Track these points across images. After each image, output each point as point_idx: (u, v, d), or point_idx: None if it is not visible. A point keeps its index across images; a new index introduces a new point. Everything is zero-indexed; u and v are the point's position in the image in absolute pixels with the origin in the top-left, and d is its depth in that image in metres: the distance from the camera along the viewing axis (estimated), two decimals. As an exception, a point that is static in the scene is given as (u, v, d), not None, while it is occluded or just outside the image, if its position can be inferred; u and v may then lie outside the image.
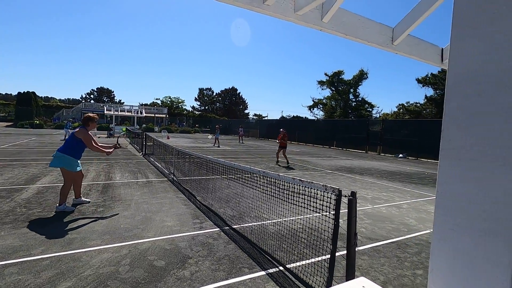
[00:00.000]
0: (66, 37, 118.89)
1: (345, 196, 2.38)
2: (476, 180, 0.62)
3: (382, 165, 14.69)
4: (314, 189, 2.71)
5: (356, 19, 1.72)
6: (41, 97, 61.13)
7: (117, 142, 5.71)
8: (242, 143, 27.01)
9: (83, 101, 64.80)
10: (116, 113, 33.30)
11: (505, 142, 0.58)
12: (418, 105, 31.79)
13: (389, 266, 3.45)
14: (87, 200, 5.45)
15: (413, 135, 20.93)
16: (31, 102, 38.76)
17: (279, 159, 13.60)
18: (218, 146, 21.05)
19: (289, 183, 3.10)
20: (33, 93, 40.56)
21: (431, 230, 4.38)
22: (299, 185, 2.95)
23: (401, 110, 34.02)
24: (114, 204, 5.37)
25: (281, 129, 13.34)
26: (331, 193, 2.48)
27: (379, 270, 3.32)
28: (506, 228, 0.57)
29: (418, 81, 31.55)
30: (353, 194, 2.26)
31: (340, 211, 2.54)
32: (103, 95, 77.48)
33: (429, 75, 30.86)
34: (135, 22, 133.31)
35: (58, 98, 74.06)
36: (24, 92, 39.26)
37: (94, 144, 5.08)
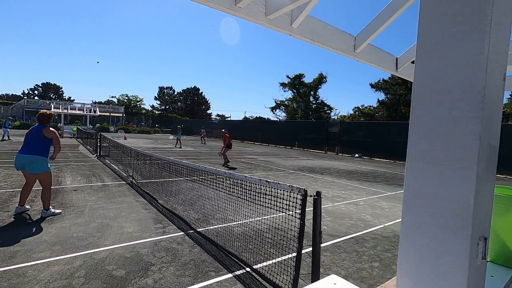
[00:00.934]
0: (2, 24, 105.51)
1: (311, 196, 2.46)
2: (440, 181, 0.69)
3: (340, 165, 15.51)
4: (281, 190, 2.76)
5: (323, 26, 1.80)
6: (-28, 91, 53.67)
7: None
8: (205, 143, 26.67)
9: (25, 97, 58.34)
10: (65, 111, 30.54)
11: (462, 147, 0.65)
12: (372, 108, 34.25)
13: (349, 261, 3.65)
14: (28, 207, 4.93)
15: (368, 136, 22.48)
16: (-40, 97, 33.89)
17: (225, 159, 12.94)
18: (180, 147, 20.44)
19: (255, 184, 3.12)
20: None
21: (385, 225, 4.73)
22: (266, 186, 2.99)
23: (357, 112, 36.34)
24: (65, 211, 4.92)
25: (223, 129, 14.38)
26: (297, 193, 2.55)
27: (340, 265, 3.50)
28: (465, 224, 0.65)
29: (372, 85, 34.01)
30: (318, 193, 2.35)
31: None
32: (50, 91, 70.56)
33: (381, 81, 33.42)
34: (85, 11, 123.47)
35: (-7, 94, 65.69)
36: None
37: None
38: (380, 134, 21.49)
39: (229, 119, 64.21)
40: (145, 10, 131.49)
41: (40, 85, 70.27)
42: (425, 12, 0.72)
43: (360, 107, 35.59)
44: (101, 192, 6.38)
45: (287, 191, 2.67)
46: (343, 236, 4.52)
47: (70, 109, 32.34)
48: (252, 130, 34.22)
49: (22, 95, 66.22)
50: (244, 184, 3.46)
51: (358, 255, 3.85)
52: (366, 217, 5.66)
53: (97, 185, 7.13)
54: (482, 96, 0.63)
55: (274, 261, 3.44)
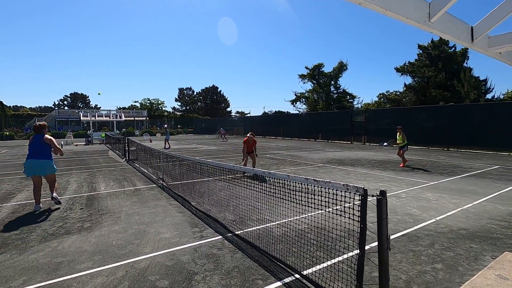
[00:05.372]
0: (32, 41, 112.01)
1: (373, 196, 2.15)
2: None
3: (370, 155, 14.83)
4: (333, 189, 2.46)
5: (395, -9, 1.48)
6: (10, 106, 57.33)
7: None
8: (226, 140, 27.15)
9: (56, 108, 61.65)
10: (93, 118, 31.71)
11: None
12: (398, 93, 32.53)
13: (407, 262, 3.29)
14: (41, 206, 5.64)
15: (396, 123, 21.29)
16: (-1, 112, 36.29)
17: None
18: (168, 147, 18.93)
19: (301, 183, 2.85)
20: (0, 102, 38.00)
21: (436, 219, 4.26)
22: (313, 186, 2.70)
23: (382, 99, 34.70)
24: (101, 218, 4.93)
25: (250, 133, 9.55)
26: (354, 193, 2.25)
27: (398, 268, 3.15)
28: None
29: (397, 70, 32.26)
30: (383, 193, 2.04)
31: (350, 209, 2.31)
32: (78, 100, 74.22)
33: (407, 64, 31.62)
34: (107, 22, 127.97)
35: (28, 107, 69.88)
36: (-11, 102, 36.66)
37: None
38: (409, 120, 20.31)
39: (248, 115, 64.13)
40: (158, 14, 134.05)
41: (69, 95, 74.03)
42: None
43: (386, 93, 33.94)
44: (135, 197, 6.39)
45: (341, 191, 2.37)
46: (393, 234, 4.13)
47: (98, 116, 33.57)
48: (273, 124, 33.83)
49: (53, 106, 70.10)
50: (287, 184, 3.19)
51: (415, 255, 3.47)
52: (413, 211, 5.21)
53: (130, 189, 7.17)
54: None
55: (323, 265, 3.15)
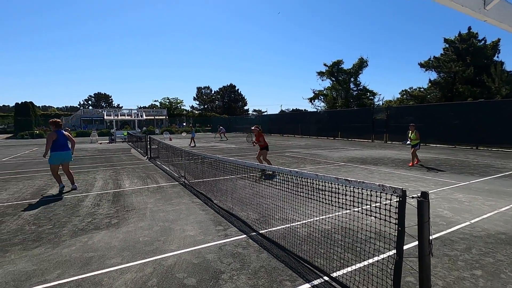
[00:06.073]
0: (60, 45, 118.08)
1: (412, 198, 2.03)
2: None
3: (393, 154, 14.33)
4: (367, 190, 2.35)
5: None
6: (39, 106, 60.49)
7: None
8: (226, 139, 27.34)
9: (81, 107, 64.33)
10: (116, 117, 32.82)
11: None
12: (422, 90, 31.25)
13: (442, 268, 3.11)
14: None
15: (419, 120, 20.45)
16: (30, 112, 38.26)
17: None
18: (194, 146, 19.89)
19: (331, 183, 2.75)
20: (31, 103, 40.04)
21: (471, 222, 4.00)
22: (344, 185, 2.60)
23: (405, 96, 33.49)
24: (128, 215, 5.04)
25: (255, 126, 9.44)
26: (391, 194, 2.13)
27: (433, 273, 2.98)
28: None
29: (421, 65, 30.95)
30: (425, 195, 1.91)
31: (377, 210, 2.19)
32: (101, 100, 77.03)
33: (431, 59, 30.29)
34: (128, 26, 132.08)
35: (56, 107, 73.51)
36: (21, 102, 38.73)
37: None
38: (434, 118, 19.45)
39: (265, 113, 63.98)
40: (175, 15, 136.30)
41: (93, 95, 77.00)
42: None
43: (409, 90, 32.70)
44: (158, 194, 6.50)
45: (376, 192, 2.26)
46: (425, 237, 3.93)
47: (120, 115, 34.71)
48: (291, 122, 33.53)
49: (78, 106, 73.16)
50: (316, 183, 3.10)
51: (451, 260, 3.28)
52: (445, 213, 4.95)
53: (153, 186, 7.32)
54: None
55: (354, 268, 3.04)
